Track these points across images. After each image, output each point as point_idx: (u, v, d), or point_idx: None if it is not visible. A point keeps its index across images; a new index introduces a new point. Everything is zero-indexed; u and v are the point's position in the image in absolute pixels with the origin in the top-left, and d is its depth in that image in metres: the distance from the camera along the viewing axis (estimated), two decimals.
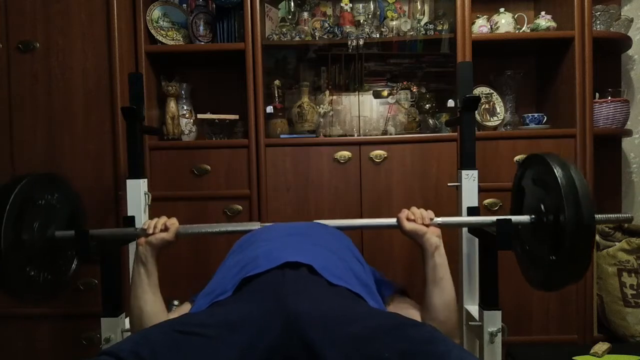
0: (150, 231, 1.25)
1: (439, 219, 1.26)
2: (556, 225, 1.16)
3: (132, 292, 1.23)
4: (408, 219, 1.25)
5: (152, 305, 1.20)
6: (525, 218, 1.28)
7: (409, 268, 1.98)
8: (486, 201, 1.96)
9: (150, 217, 1.62)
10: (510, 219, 1.26)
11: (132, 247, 1.55)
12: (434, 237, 1.21)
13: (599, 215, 1.19)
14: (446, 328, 1.13)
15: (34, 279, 1.24)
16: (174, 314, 1.21)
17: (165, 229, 1.26)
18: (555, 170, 1.15)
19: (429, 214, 1.26)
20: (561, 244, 1.13)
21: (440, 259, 1.19)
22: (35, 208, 1.25)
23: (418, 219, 1.24)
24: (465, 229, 1.53)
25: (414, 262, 1.98)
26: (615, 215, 1.26)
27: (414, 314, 1.17)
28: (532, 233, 1.29)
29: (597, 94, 2.04)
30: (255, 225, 1.34)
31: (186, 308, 1.21)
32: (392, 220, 1.29)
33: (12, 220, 1.15)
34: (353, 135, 2.11)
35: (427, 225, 1.23)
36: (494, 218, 1.28)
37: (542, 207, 1.22)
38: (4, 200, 1.15)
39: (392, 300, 1.24)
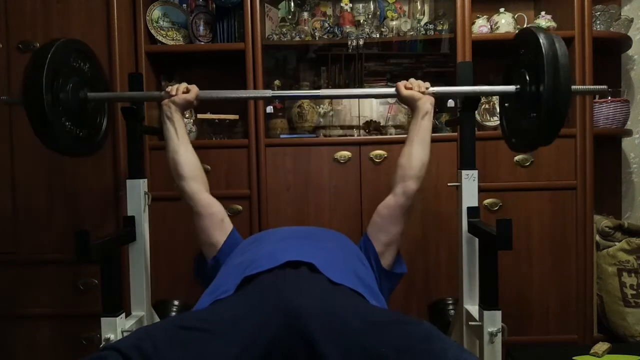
0: (174, 93, 1.39)
1: (434, 88, 1.39)
2: (537, 92, 1.25)
3: (167, 147, 1.39)
4: (406, 87, 1.40)
5: (184, 153, 1.37)
6: (510, 88, 1.38)
7: (408, 264, 1.97)
8: (486, 201, 1.96)
9: (151, 218, 1.64)
10: (510, 219, 1.27)
11: (132, 247, 1.55)
12: (427, 104, 1.37)
13: (576, 87, 1.34)
14: (420, 182, 1.34)
15: (74, 133, 1.37)
16: (221, 207, 1.37)
17: (187, 91, 1.41)
18: (539, 40, 1.22)
19: (426, 84, 1.40)
20: (539, 108, 1.23)
21: (428, 124, 1.37)
22: (68, 70, 1.35)
23: (415, 87, 1.38)
24: (465, 229, 1.53)
25: (414, 259, 1.98)
26: (593, 87, 1.43)
27: (390, 197, 1.34)
28: (516, 102, 1.38)
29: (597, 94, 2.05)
30: (267, 93, 1.49)
31: (228, 224, 1.37)
32: (391, 90, 1.43)
33: (50, 80, 1.25)
34: (353, 136, 2.11)
35: (423, 93, 1.37)
36: (491, 88, 1.47)
37: (527, 77, 1.30)
38: (41, 61, 1.23)
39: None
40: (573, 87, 1.26)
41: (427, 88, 1.39)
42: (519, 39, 1.39)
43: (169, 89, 1.41)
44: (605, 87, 1.39)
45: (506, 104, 1.48)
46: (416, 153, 1.35)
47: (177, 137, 1.38)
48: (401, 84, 1.40)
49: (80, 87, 1.38)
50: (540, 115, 1.23)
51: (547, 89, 1.19)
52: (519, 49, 1.37)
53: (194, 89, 1.42)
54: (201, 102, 1.47)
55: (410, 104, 1.40)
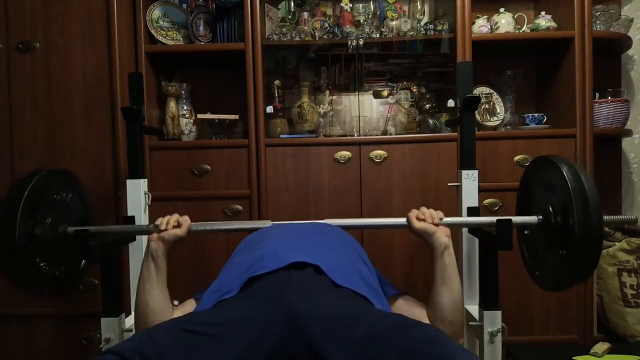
0: (163, 227, 1.25)
1: (449, 219, 1.27)
2: (565, 226, 1.16)
3: (140, 287, 1.22)
4: (418, 218, 1.26)
5: (159, 303, 1.20)
6: (532, 218, 1.28)
7: (408, 268, 1.98)
8: (486, 201, 1.96)
9: (151, 218, 1.63)
10: (510, 219, 1.26)
11: (132, 247, 1.55)
12: (443, 237, 1.21)
13: (607, 217, 1.20)
14: (454, 328, 1.14)
15: (45, 273, 1.24)
16: (178, 312, 1.21)
17: (178, 225, 1.27)
18: (563, 171, 1.16)
19: (438, 213, 1.27)
20: (570, 244, 1.14)
21: (449, 259, 1.20)
22: (49, 203, 1.26)
23: (428, 219, 1.25)
24: (465, 229, 1.53)
25: (414, 262, 1.98)
26: (620, 217, 1.28)
27: (420, 313, 1.18)
28: (539, 234, 1.29)
29: (597, 94, 2.04)
30: (267, 223, 1.35)
31: (190, 306, 1.22)
32: (402, 220, 1.30)
33: (27, 213, 1.16)
34: (353, 135, 2.11)
35: (437, 225, 1.23)
36: (502, 218, 1.28)
37: (550, 208, 1.22)
38: (19, 192, 1.16)
39: (396, 299, 1.24)
40: (605, 217, 1.16)
41: (440, 219, 1.25)
42: (536, 166, 1.33)
43: (158, 222, 1.28)
44: (635, 217, 1.28)
45: (526, 232, 1.37)
46: (446, 301, 1.16)
47: (157, 281, 1.21)
48: (412, 215, 1.27)
49: (60, 221, 1.28)
50: (572, 253, 1.13)
51: (579, 226, 1.10)
52: (536, 175, 1.32)
53: (185, 222, 1.28)
54: (190, 234, 1.31)
55: (424, 238, 1.24)
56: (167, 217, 1.28)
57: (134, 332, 1.33)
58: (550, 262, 1.23)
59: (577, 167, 1.18)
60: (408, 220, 1.27)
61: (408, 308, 1.20)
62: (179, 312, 1.21)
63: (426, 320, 1.16)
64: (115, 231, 1.37)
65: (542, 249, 1.28)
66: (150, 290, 1.20)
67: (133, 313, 1.26)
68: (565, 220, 1.16)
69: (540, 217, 1.27)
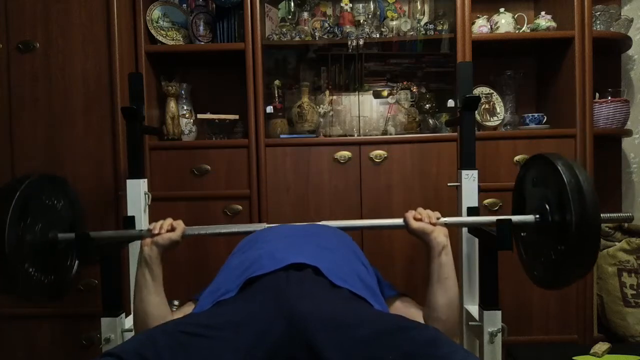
0: (157, 231, 1.23)
1: (446, 219, 1.27)
2: (562, 221, 1.16)
3: (137, 295, 1.21)
4: (415, 219, 1.26)
5: (158, 308, 1.19)
6: (529, 218, 1.28)
7: (408, 268, 1.98)
8: (486, 201, 1.96)
9: (151, 218, 1.63)
10: (510, 219, 1.26)
11: (132, 247, 1.55)
12: (441, 236, 1.21)
13: (604, 215, 1.20)
14: (448, 326, 1.13)
15: (36, 279, 1.22)
16: (177, 314, 1.21)
17: (172, 229, 1.25)
18: (560, 170, 1.15)
19: (435, 214, 1.26)
20: (568, 239, 1.13)
21: (446, 258, 1.19)
22: (39, 209, 1.24)
23: (425, 218, 1.25)
24: (465, 229, 1.53)
25: (414, 262, 1.98)
26: (617, 215, 1.27)
27: (416, 313, 1.18)
28: (536, 232, 1.29)
29: (597, 94, 2.04)
30: (262, 226, 1.34)
31: (188, 308, 1.21)
32: (399, 220, 1.30)
33: (15, 219, 1.14)
34: (353, 135, 2.11)
35: (434, 225, 1.24)
36: (502, 218, 1.28)
37: (547, 206, 1.22)
38: (8, 198, 1.13)
39: (394, 301, 1.24)
40: (602, 215, 1.16)
41: (437, 218, 1.25)
42: (530, 165, 1.33)
43: (151, 226, 1.25)
44: (630, 214, 1.27)
45: (523, 233, 1.37)
46: (441, 301, 1.15)
47: (153, 286, 1.19)
48: (410, 215, 1.27)
49: (50, 227, 1.26)
50: (571, 248, 1.13)
51: (577, 220, 1.10)
52: (530, 173, 1.32)
53: (179, 226, 1.25)
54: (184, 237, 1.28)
55: (421, 238, 1.24)
56: (160, 222, 1.26)
57: (134, 332, 1.32)
58: (549, 259, 1.22)
59: (572, 162, 1.18)
60: (405, 220, 1.27)
61: (404, 309, 1.20)
62: (178, 315, 1.20)
63: (422, 321, 1.16)
64: (108, 237, 1.35)
65: (540, 246, 1.28)
66: (147, 297, 1.19)
67: (132, 314, 1.25)
68: (563, 216, 1.15)
69: (537, 216, 1.26)
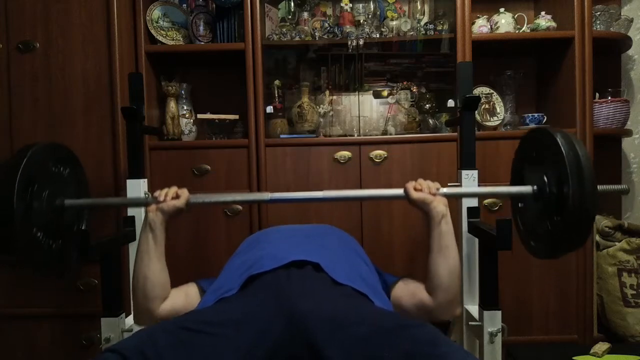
0: (162, 198, 1.25)
1: (445, 189, 1.29)
2: (560, 193, 1.16)
3: (138, 260, 1.22)
4: (415, 189, 1.27)
5: (158, 275, 1.20)
6: (527, 188, 1.27)
7: (408, 263, 1.98)
8: (486, 201, 1.96)
9: None
10: (510, 220, 1.26)
11: (132, 247, 1.55)
12: (440, 205, 1.24)
13: (600, 186, 1.20)
14: (449, 295, 1.16)
15: (42, 244, 1.21)
16: (178, 291, 1.23)
17: (177, 196, 1.26)
18: (559, 142, 1.16)
19: (435, 184, 1.28)
20: (565, 211, 1.14)
21: (446, 227, 1.22)
22: (45, 176, 1.24)
23: (425, 189, 1.27)
24: (465, 229, 1.54)
25: (414, 259, 1.98)
26: (613, 186, 1.28)
27: (417, 287, 1.21)
28: (533, 204, 1.29)
29: (597, 94, 2.04)
30: (265, 195, 1.32)
31: (192, 290, 1.24)
32: (399, 191, 1.31)
33: (23, 185, 1.14)
34: (353, 135, 2.11)
35: (434, 195, 1.25)
36: (505, 189, 1.29)
37: (545, 178, 1.22)
38: (15, 165, 1.14)
39: (396, 283, 1.26)
40: (599, 187, 1.16)
41: (437, 189, 1.27)
42: (531, 138, 1.32)
43: (156, 193, 1.27)
44: (626, 186, 1.29)
45: (520, 204, 1.36)
46: (442, 269, 1.19)
47: (155, 250, 1.22)
48: (410, 185, 1.28)
49: (57, 194, 1.26)
50: (566, 219, 1.13)
51: (573, 194, 1.10)
52: (530, 146, 1.32)
53: (184, 194, 1.27)
54: (191, 207, 1.30)
55: (421, 208, 1.27)
56: (165, 189, 1.28)
57: (134, 332, 1.32)
58: (545, 230, 1.23)
59: (571, 136, 1.18)
60: (406, 191, 1.28)
61: (405, 286, 1.23)
62: (178, 292, 1.23)
63: (424, 293, 1.19)
64: (113, 203, 1.37)
65: (536, 217, 1.28)
66: (149, 263, 1.20)
67: (131, 279, 1.24)
68: (560, 188, 1.16)
69: (535, 187, 1.26)
